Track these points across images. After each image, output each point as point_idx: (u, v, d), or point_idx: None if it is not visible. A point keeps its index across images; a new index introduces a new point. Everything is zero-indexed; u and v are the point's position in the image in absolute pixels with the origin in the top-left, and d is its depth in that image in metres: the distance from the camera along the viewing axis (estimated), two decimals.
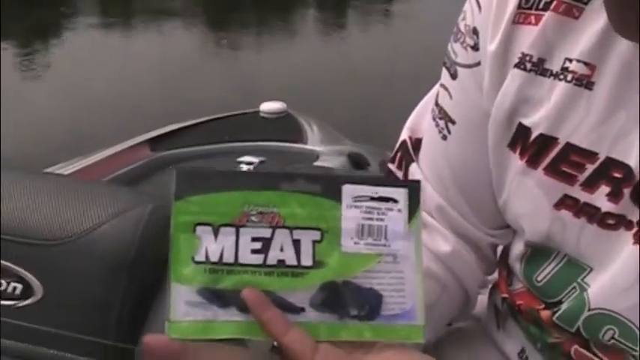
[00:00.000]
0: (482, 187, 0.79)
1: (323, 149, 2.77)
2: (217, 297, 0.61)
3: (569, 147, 0.69)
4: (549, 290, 0.74)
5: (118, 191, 0.92)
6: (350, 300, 0.62)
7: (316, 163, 2.66)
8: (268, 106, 3.09)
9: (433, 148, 0.82)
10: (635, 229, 0.67)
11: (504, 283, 0.82)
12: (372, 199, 0.64)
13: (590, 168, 0.68)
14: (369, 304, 0.63)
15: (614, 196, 0.67)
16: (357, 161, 2.70)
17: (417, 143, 0.85)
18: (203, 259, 0.61)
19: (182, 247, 0.62)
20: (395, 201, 0.65)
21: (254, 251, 0.62)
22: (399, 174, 0.85)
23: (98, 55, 6.23)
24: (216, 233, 0.61)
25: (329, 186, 0.64)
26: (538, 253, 0.75)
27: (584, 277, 0.71)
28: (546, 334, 0.75)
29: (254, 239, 0.62)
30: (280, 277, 0.62)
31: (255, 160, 2.67)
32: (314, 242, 0.63)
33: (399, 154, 0.86)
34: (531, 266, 0.76)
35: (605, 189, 0.67)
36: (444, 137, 0.80)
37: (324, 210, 0.63)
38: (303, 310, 0.62)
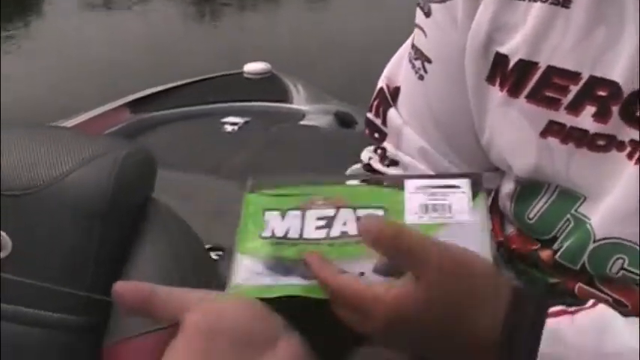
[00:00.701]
0: (463, 127, 0.76)
1: (309, 108, 2.72)
2: (280, 266, 0.62)
3: (551, 70, 0.67)
4: (542, 226, 0.72)
5: (90, 137, 0.86)
6: None
7: (302, 122, 2.61)
8: (252, 67, 3.02)
9: (412, 91, 0.80)
10: (628, 150, 0.64)
11: (498, 228, 0.79)
12: (435, 187, 0.65)
13: (573, 89, 0.66)
14: None
15: (602, 116, 0.65)
16: (344, 120, 2.65)
17: (394, 91, 0.83)
18: (269, 234, 0.64)
19: (250, 228, 0.64)
20: (457, 187, 0.65)
21: (318, 227, 0.63)
22: (378, 122, 0.83)
23: (81, 27, 6.12)
24: (283, 216, 0.64)
25: (392, 180, 0.67)
26: (528, 189, 0.73)
27: (578, 207, 0.69)
28: (548, 276, 0.72)
29: (319, 218, 0.64)
30: (342, 247, 0.63)
31: (239, 120, 2.62)
32: None
33: (376, 102, 0.84)
34: (522, 204, 0.74)
35: (590, 109, 0.65)
36: (421, 77, 0.78)
37: (387, 195, 0.65)
38: (362, 274, 0.61)
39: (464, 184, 0.65)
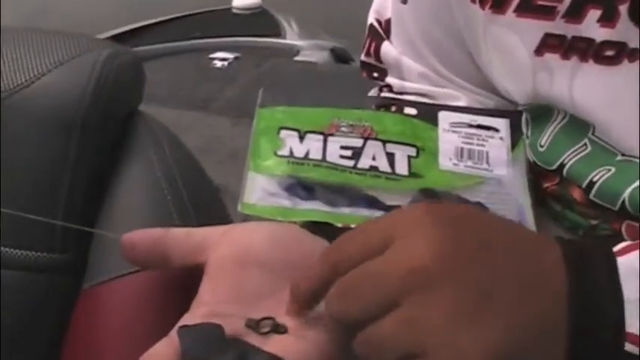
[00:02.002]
0: (459, 51, 0.70)
1: (303, 44, 2.58)
2: (300, 188, 0.56)
3: None
4: (551, 154, 0.64)
5: (65, 35, 0.70)
6: None
7: (297, 58, 2.46)
8: (241, 2, 2.87)
9: (400, 18, 0.75)
10: None
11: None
12: (471, 126, 0.60)
13: None
14: None
15: (608, 19, 0.55)
16: (340, 56, 2.52)
17: (386, 24, 0.77)
18: (287, 154, 0.57)
19: (263, 145, 0.58)
20: (496, 130, 0.60)
21: (343, 157, 0.57)
22: (372, 60, 0.77)
23: None
24: (301, 138, 0.58)
25: (425, 111, 0.61)
26: (538, 116, 0.65)
27: (594, 131, 0.60)
28: (587, 217, 0.64)
29: (343, 147, 0.58)
30: (374, 178, 0.57)
31: (229, 56, 2.49)
32: (409, 157, 0.58)
33: (368, 41, 0.78)
34: (535, 132, 0.66)
35: (595, 13, 0.56)
36: (404, 1, 0.72)
37: (419, 130, 0.59)
38: (399, 207, 0.55)
39: (502, 125, 0.59)
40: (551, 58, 0.59)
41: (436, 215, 0.43)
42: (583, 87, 0.58)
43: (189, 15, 2.86)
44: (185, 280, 0.53)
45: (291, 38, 2.64)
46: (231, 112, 2.06)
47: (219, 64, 2.45)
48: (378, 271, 0.42)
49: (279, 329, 0.48)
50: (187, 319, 0.48)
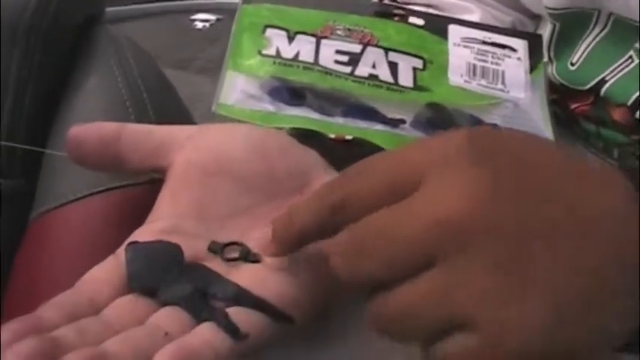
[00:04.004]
0: None
1: None
2: (285, 92, 0.50)
3: None
4: (588, 71, 0.57)
5: None
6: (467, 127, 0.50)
7: None
8: None
9: None
10: None
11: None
12: (485, 43, 0.54)
13: None
14: None
15: None
16: None
17: None
18: (273, 53, 0.51)
19: (245, 43, 0.52)
20: (512, 49, 0.54)
21: (338, 62, 0.51)
22: None
23: None
24: (291, 39, 0.52)
25: (433, 22, 0.55)
26: (570, 27, 0.58)
27: None
28: (625, 133, 0.57)
29: (339, 52, 0.52)
30: (373, 87, 0.51)
31: (211, 17, 2.39)
32: (415, 69, 0.52)
33: None
34: (563, 49, 0.59)
35: None
36: None
37: (426, 42, 0.54)
38: (402, 122, 0.50)
39: (520, 46, 0.54)
40: None
41: (480, 147, 0.33)
42: None
43: None
44: (149, 202, 0.45)
45: None
46: (212, 71, 1.97)
47: (200, 25, 2.37)
48: (405, 220, 0.33)
49: (250, 257, 0.40)
50: (139, 234, 0.40)
